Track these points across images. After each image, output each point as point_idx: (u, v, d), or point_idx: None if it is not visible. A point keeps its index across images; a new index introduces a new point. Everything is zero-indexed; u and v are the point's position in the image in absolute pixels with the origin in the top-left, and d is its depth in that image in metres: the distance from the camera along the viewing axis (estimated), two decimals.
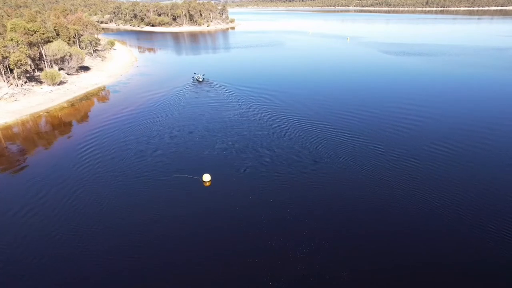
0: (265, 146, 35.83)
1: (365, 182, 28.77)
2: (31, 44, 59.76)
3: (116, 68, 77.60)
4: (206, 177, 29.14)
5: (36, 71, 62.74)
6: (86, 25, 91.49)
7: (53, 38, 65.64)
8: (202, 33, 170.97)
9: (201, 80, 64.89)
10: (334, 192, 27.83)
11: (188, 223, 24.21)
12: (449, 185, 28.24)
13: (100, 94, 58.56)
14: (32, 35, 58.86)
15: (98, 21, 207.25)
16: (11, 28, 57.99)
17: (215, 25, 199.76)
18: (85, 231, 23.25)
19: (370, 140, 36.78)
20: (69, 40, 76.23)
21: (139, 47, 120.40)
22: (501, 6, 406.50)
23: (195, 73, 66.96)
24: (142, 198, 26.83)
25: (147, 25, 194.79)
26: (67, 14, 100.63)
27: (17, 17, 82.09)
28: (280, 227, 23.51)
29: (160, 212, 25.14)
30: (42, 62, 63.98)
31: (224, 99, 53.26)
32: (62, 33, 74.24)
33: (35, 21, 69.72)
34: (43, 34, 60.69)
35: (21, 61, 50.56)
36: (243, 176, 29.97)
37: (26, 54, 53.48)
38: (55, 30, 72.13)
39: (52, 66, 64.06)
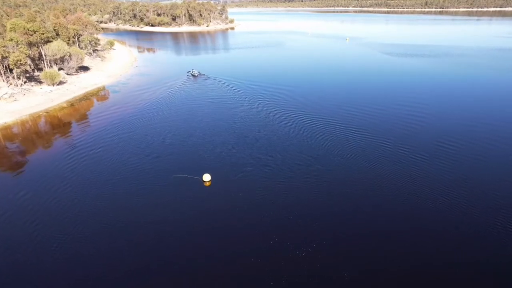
0: (266, 144, 35.89)
1: (369, 180, 28.85)
2: (30, 44, 59.67)
3: (116, 68, 77.58)
4: (206, 177, 29.18)
5: (35, 71, 62.65)
6: (86, 25, 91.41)
7: (52, 38, 65.61)
8: (201, 33, 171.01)
9: (196, 74, 68.38)
10: (337, 191, 27.88)
11: (188, 223, 24.24)
12: (456, 181, 28.40)
13: (100, 94, 58.56)
14: (31, 35, 58.80)
15: (97, 21, 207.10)
16: (10, 28, 57.93)
17: (214, 25, 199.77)
18: (82, 231, 23.27)
19: (374, 136, 37.02)
20: (69, 40, 76.18)
21: (138, 47, 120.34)
22: (500, 7, 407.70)
23: (188, 71, 71.00)
24: (141, 199, 26.85)
25: (146, 25, 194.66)
26: (67, 14, 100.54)
27: (16, 17, 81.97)
28: (281, 227, 23.57)
29: (159, 213, 25.17)
30: (42, 62, 63.91)
31: (223, 98, 53.32)
32: (62, 33, 74.21)
33: (35, 21, 69.62)
34: (43, 34, 60.65)
35: (20, 61, 50.52)
36: (243, 176, 30.02)
37: (26, 54, 53.40)
38: (54, 30, 72.08)
39: (51, 66, 64.00)
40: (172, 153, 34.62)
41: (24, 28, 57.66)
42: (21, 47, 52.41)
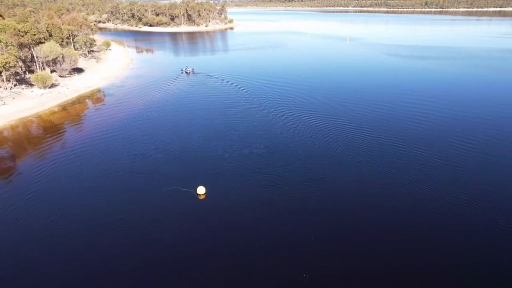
0: (265, 151, 33.96)
1: (379, 183, 27.16)
2: (22, 45, 57.75)
3: (111, 70, 75.59)
4: (201, 190, 27.29)
5: (27, 73, 60.73)
6: (81, 25, 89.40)
7: (45, 39, 63.59)
8: (200, 34, 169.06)
9: (189, 71, 71.37)
10: (343, 204, 26.13)
11: (181, 240, 22.37)
12: (473, 183, 27.28)
13: (93, 98, 56.52)
14: (22, 36, 56.82)
15: (95, 21, 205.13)
16: (0, 28, 55.97)
17: (213, 25, 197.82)
18: (67, 248, 21.41)
19: (378, 134, 35.42)
20: (62, 41, 74.19)
21: (136, 48, 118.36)
22: (500, 7, 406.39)
23: (182, 69, 73.47)
24: (129, 214, 24.87)
25: (145, 25, 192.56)
26: (62, 14, 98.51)
27: (10, 17, 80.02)
28: (281, 245, 21.76)
29: (149, 229, 23.26)
30: (34, 64, 61.96)
31: (219, 102, 51.44)
32: (55, 33, 72.18)
33: (27, 21, 67.64)
34: (34, 35, 58.67)
35: (9, 63, 48.57)
36: (241, 188, 28.14)
37: (16, 56, 51.46)
38: (47, 30, 70.01)
39: (44, 68, 62.04)
40: (165, 163, 32.62)
41: (14, 29, 55.69)
42: (10, 49, 50.45)
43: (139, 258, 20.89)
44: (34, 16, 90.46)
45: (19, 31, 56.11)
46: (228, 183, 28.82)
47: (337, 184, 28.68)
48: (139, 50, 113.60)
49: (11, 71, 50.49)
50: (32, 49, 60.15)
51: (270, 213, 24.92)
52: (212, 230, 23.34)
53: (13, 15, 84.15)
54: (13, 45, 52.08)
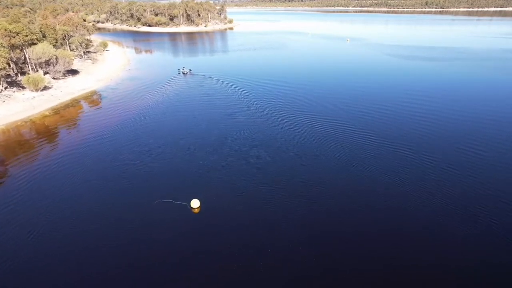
0: (263, 161, 32.17)
1: (374, 184, 25.53)
2: (13, 47, 56.00)
3: (107, 72, 73.85)
4: (195, 203, 25.57)
5: (19, 75, 58.98)
6: (76, 26, 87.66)
7: (38, 40, 61.81)
8: (199, 34, 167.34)
9: (186, 72, 70.26)
10: (344, 201, 25.36)
11: (173, 257, 20.69)
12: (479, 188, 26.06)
13: (86, 101, 54.69)
14: (14, 37, 55.04)
15: (94, 21, 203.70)
16: None
17: (213, 26, 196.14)
18: (62, 249, 20.35)
19: (377, 134, 33.67)
20: (57, 42, 72.39)
21: (135, 48, 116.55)
22: (500, 7, 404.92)
23: (179, 69, 72.19)
24: (118, 229, 23.14)
25: (144, 25, 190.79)
26: (58, 14, 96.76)
27: (4, 17, 78.28)
28: (281, 246, 20.84)
29: (138, 244, 21.53)
30: (27, 65, 60.25)
31: (216, 105, 49.66)
32: (49, 34, 70.38)
33: (19, 21, 65.88)
34: (26, 36, 56.85)
35: None
36: (238, 200, 26.39)
37: (6, 58, 49.72)
38: (41, 31, 68.19)
39: (37, 70, 60.31)
40: (156, 173, 30.65)
41: (5, 30, 53.92)
42: (0, 50, 48.68)
43: (138, 259, 20.34)
44: (29, 16, 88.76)
45: (10, 31, 54.34)
46: (225, 196, 26.99)
47: (337, 185, 27.99)
48: (137, 51, 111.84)
49: (1, 73, 48.75)
50: (24, 51, 58.43)
51: (270, 215, 24.05)
52: (204, 246, 21.62)
53: (7, 15, 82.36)
54: (3, 46, 50.28)
